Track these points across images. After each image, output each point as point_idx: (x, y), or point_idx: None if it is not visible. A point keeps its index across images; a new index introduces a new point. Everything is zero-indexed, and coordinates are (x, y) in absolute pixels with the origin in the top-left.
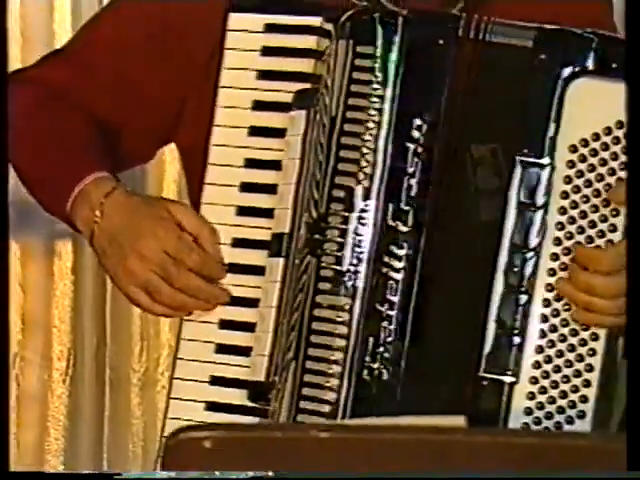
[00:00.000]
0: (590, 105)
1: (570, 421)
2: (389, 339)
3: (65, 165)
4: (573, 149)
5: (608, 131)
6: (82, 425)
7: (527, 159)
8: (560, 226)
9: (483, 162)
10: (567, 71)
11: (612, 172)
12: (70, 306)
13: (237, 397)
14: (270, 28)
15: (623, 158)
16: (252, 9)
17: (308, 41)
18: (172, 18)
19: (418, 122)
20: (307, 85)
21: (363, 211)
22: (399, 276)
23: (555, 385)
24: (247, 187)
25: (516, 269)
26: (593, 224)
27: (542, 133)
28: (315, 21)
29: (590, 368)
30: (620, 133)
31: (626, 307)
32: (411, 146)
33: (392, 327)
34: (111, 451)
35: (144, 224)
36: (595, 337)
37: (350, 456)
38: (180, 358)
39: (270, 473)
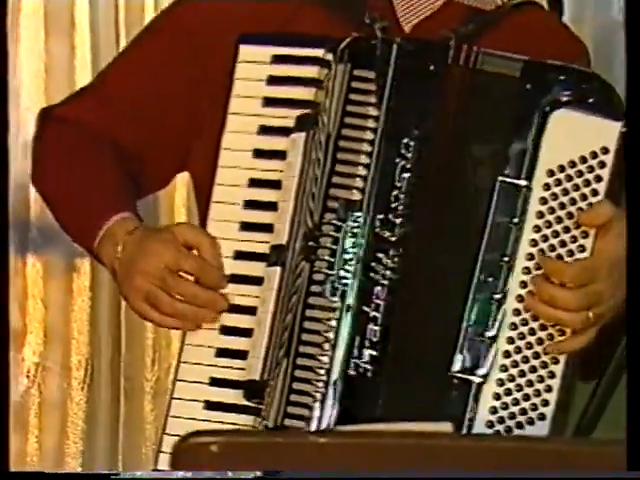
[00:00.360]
0: (568, 134)
1: (531, 422)
2: (374, 339)
3: (95, 204)
4: (550, 173)
5: (583, 160)
6: (99, 430)
7: (507, 179)
8: (533, 243)
9: (467, 181)
10: (549, 102)
11: (584, 197)
12: (88, 320)
13: (233, 397)
14: (276, 59)
15: (595, 185)
16: (260, 41)
17: (311, 71)
18: (191, 54)
19: (407, 141)
20: (308, 111)
21: (354, 221)
22: (385, 281)
23: (519, 388)
24: (250, 204)
25: (490, 279)
26: (563, 243)
27: (522, 157)
28: (318, 52)
29: (552, 375)
30: (594, 162)
31: (626, 307)
32: (400, 162)
33: (377, 328)
34: (126, 454)
35: (150, 247)
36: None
37: (346, 460)
38: (184, 362)
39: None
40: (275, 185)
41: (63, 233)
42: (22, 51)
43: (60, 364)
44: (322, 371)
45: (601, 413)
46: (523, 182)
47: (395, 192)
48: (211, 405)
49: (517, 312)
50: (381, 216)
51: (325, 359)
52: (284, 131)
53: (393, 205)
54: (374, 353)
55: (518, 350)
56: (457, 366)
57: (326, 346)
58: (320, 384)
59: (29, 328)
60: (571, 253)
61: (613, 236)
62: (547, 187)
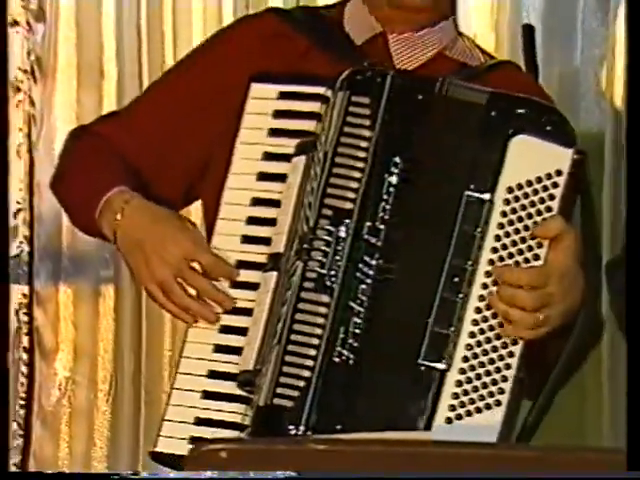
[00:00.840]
0: (527, 157)
1: (488, 407)
2: (357, 331)
3: (95, 185)
4: (510, 190)
5: (539, 180)
6: (122, 436)
7: (473, 194)
8: (494, 250)
9: (438, 194)
10: (511, 128)
11: (539, 212)
12: (112, 339)
13: (228, 388)
14: (282, 95)
15: (549, 202)
16: (269, 80)
17: (313, 106)
18: (209, 91)
19: (396, 160)
20: (308, 138)
21: (345, 226)
22: (369, 280)
23: (479, 377)
24: (252, 221)
25: (456, 280)
26: (520, 252)
27: (487, 174)
28: (320, 90)
29: (508, 366)
30: (548, 182)
31: (626, 307)
32: (388, 178)
33: (360, 321)
34: (146, 457)
35: (166, 231)
36: (515, 342)
37: (343, 465)
38: (185, 356)
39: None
40: (275, 204)
41: (91, 262)
42: (57, 102)
43: (88, 378)
44: (309, 358)
45: (546, 410)
46: (486, 196)
47: (382, 203)
48: (208, 395)
49: (478, 310)
50: (369, 224)
51: (312, 349)
52: (285, 157)
53: (380, 215)
54: (356, 344)
55: (479, 343)
56: (424, 356)
57: (314, 336)
58: (306, 370)
59: (61, 347)
60: (527, 260)
61: (563, 248)
62: (507, 202)
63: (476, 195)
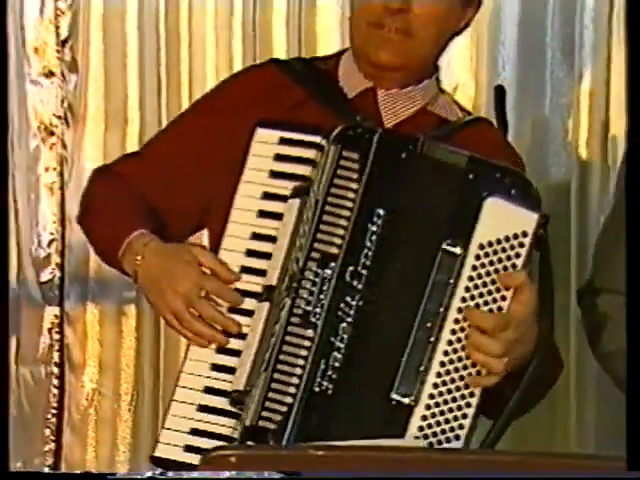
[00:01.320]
0: (496, 218)
1: (448, 440)
2: (336, 364)
3: (119, 226)
4: (481, 247)
5: (507, 239)
6: (143, 443)
7: (447, 248)
8: (463, 300)
9: (417, 245)
10: (486, 191)
11: (505, 268)
12: (134, 355)
13: (221, 403)
14: (282, 141)
15: (514, 259)
16: (272, 126)
17: (309, 153)
18: (217, 133)
19: (379, 211)
20: (303, 183)
21: (330, 269)
22: (350, 319)
23: (442, 412)
24: (250, 253)
25: (429, 324)
26: (486, 302)
27: (461, 231)
28: (316, 139)
29: (469, 404)
30: (515, 242)
31: (626, 307)
32: (371, 227)
33: (340, 356)
34: None
35: (177, 266)
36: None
37: (340, 467)
38: (185, 372)
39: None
40: (272, 239)
41: (115, 285)
42: (86, 144)
43: (112, 390)
44: (292, 386)
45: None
46: (459, 251)
47: (365, 250)
48: (203, 408)
49: (446, 353)
50: (351, 268)
51: (295, 378)
52: (283, 198)
53: (362, 260)
54: (335, 376)
55: (444, 383)
56: (396, 390)
57: (298, 366)
58: (289, 397)
59: (88, 362)
60: (491, 310)
61: (523, 300)
62: (478, 257)
63: (451, 249)
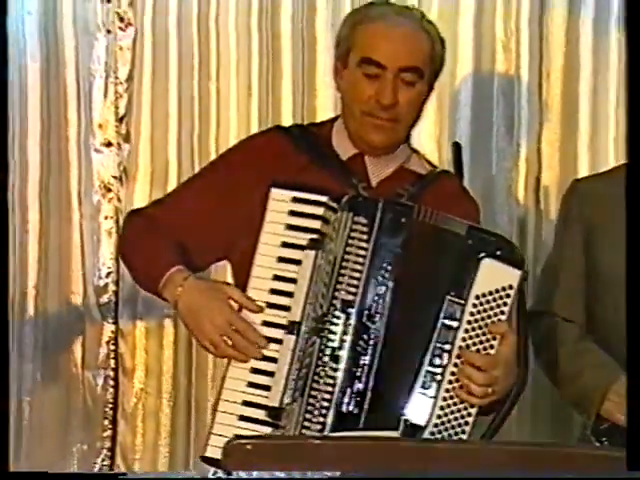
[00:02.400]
0: (489, 274)
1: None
2: (360, 389)
3: (158, 262)
4: (477, 297)
5: (497, 291)
6: (180, 432)
7: (451, 298)
8: (463, 339)
9: (425, 296)
10: (482, 253)
11: (496, 315)
12: (172, 363)
13: (257, 414)
14: (295, 200)
15: (502, 308)
16: (285, 187)
17: (318, 210)
18: (231, 187)
19: (386, 266)
20: (315, 236)
21: (349, 313)
22: (368, 354)
23: (446, 429)
24: (274, 292)
25: (437, 361)
26: (481, 342)
27: (463, 285)
28: (323, 199)
29: (467, 423)
30: (502, 293)
31: (626, 308)
32: (381, 279)
33: (361, 385)
34: (197, 454)
35: (214, 303)
36: (472, 406)
37: (336, 457)
38: (226, 388)
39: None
40: (291, 281)
41: (158, 307)
42: (136, 198)
43: (156, 390)
44: (323, 409)
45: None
46: (462, 301)
47: (377, 297)
48: (242, 418)
49: (450, 382)
50: (367, 312)
51: (325, 402)
52: (299, 247)
53: (375, 305)
54: (358, 399)
55: (448, 406)
56: (407, 414)
57: (328, 392)
58: (322, 416)
59: (136, 368)
60: (485, 349)
61: (507, 344)
62: (475, 306)
63: (455, 299)
